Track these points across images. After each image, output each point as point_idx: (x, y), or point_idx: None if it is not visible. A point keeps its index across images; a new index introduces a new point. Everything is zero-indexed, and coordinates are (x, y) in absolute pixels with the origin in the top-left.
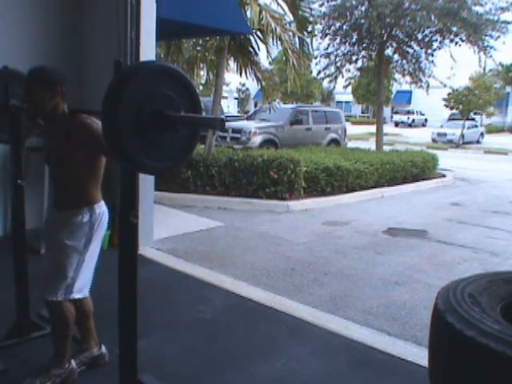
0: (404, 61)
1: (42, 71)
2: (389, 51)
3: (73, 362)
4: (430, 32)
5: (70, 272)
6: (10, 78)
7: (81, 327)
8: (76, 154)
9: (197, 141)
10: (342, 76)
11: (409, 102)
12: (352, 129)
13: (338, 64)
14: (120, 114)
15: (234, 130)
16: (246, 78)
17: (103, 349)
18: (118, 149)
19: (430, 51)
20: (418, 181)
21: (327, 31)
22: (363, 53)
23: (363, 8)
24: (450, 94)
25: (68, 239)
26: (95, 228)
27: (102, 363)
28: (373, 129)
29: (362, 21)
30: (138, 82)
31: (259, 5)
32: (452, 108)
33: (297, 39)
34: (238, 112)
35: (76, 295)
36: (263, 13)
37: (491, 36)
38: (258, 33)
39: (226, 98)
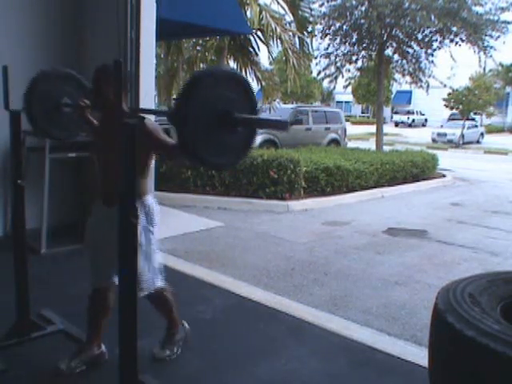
0: (404, 61)
1: (108, 68)
2: (389, 51)
3: (184, 322)
4: (430, 32)
5: (143, 267)
6: (58, 77)
7: (93, 321)
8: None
9: (254, 139)
10: (342, 76)
11: (409, 102)
12: (352, 129)
13: (338, 64)
14: (190, 114)
15: None
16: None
17: (103, 347)
18: (188, 147)
19: (430, 51)
20: (418, 181)
21: (327, 31)
22: (363, 53)
23: (363, 8)
24: (450, 94)
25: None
26: (150, 218)
27: (102, 362)
28: (373, 129)
29: (362, 21)
30: (206, 85)
31: (259, 5)
32: (452, 108)
33: (297, 39)
34: None
35: (159, 283)
36: (263, 13)
37: (491, 36)
38: (258, 33)
39: None
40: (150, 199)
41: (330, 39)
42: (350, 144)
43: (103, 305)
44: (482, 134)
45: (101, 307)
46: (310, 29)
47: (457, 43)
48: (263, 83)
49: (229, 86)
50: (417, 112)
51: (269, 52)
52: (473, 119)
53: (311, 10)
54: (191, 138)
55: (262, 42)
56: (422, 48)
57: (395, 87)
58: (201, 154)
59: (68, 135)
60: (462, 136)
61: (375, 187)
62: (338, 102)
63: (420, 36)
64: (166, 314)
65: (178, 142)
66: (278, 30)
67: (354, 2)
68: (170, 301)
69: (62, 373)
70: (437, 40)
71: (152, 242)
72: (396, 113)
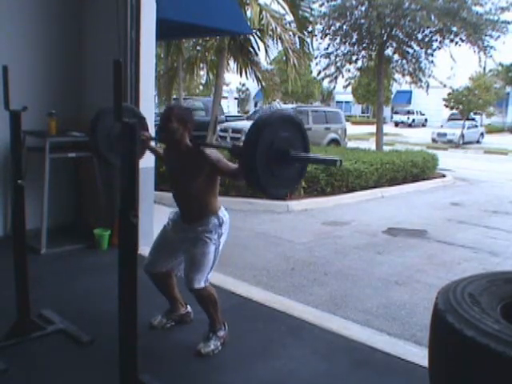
0: (404, 61)
1: (181, 109)
2: (389, 51)
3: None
4: (430, 32)
5: (210, 264)
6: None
7: (169, 296)
8: (203, 181)
9: (306, 170)
10: (342, 76)
11: (409, 101)
12: (352, 129)
13: (338, 64)
14: (257, 154)
15: (234, 130)
16: (246, 78)
17: (189, 308)
18: (253, 180)
19: (429, 51)
20: (418, 181)
21: (327, 31)
22: (363, 53)
23: (363, 8)
24: (450, 94)
25: (203, 241)
26: (223, 227)
27: (188, 320)
28: (373, 129)
29: (362, 21)
30: (270, 128)
31: (259, 5)
32: (452, 108)
33: (297, 39)
34: (238, 112)
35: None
36: (263, 13)
37: (491, 36)
38: (258, 33)
39: (226, 98)
40: (223, 211)
41: (330, 39)
42: (350, 144)
43: (165, 283)
44: (482, 134)
45: (164, 285)
46: (310, 29)
47: (457, 43)
48: (263, 83)
49: (287, 128)
50: (417, 112)
51: (266, 52)
52: (473, 119)
53: (311, 9)
54: (257, 173)
55: (262, 41)
56: (422, 48)
57: (395, 87)
58: (264, 185)
59: None
60: (462, 136)
61: (375, 187)
62: (337, 101)
63: (420, 36)
64: (213, 314)
65: (244, 176)
66: (279, 29)
67: (353, 2)
68: (217, 300)
69: (155, 327)
70: (437, 40)
71: (220, 249)
72: (396, 113)
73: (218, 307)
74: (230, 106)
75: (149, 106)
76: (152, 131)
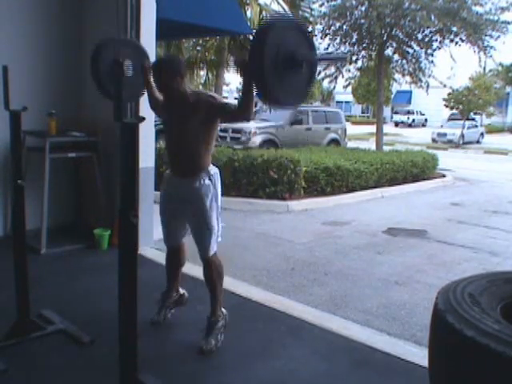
0: (404, 61)
1: (169, 61)
2: (389, 51)
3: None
4: (430, 32)
5: (215, 228)
6: (118, 43)
7: (170, 272)
8: (199, 124)
9: (315, 76)
10: (342, 76)
11: (409, 101)
12: (352, 129)
13: (338, 64)
14: (265, 55)
15: (234, 130)
16: None
17: (181, 291)
18: (261, 84)
19: (429, 51)
20: (418, 181)
21: (327, 31)
22: (363, 53)
23: (363, 8)
24: (450, 94)
25: (203, 202)
26: (216, 186)
27: (184, 301)
28: (373, 129)
29: (362, 21)
30: (275, 32)
31: (259, 5)
32: (452, 108)
33: None
34: None
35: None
36: (263, 13)
37: (491, 36)
38: None
39: (226, 98)
40: (214, 168)
41: (330, 39)
42: (350, 144)
43: (176, 260)
44: (481, 134)
45: (174, 261)
46: (310, 29)
47: (457, 43)
48: None
49: (291, 31)
50: (417, 112)
51: None
52: (473, 119)
53: (311, 9)
54: (267, 81)
55: None
56: (421, 48)
57: (395, 87)
58: (276, 94)
59: (130, 96)
60: (462, 136)
61: (375, 187)
62: (337, 101)
63: (420, 36)
64: (217, 290)
65: (255, 86)
66: None
67: (354, 2)
68: (223, 274)
69: (159, 323)
70: (437, 40)
71: (219, 207)
72: (396, 113)
73: (222, 285)
74: None
75: (149, 106)
76: (152, 131)
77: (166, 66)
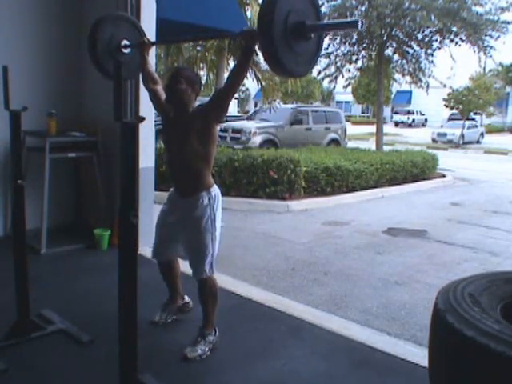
0: (404, 61)
1: (188, 70)
2: (389, 51)
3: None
4: (430, 32)
5: (209, 249)
6: (116, 20)
7: (173, 286)
8: (199, 136)
9: (323, 42)
10: (342, 76)
11: (409, 101)
12: (352, 129)
13: (338, 64)
14: (274, 23)
15: (234, 130)
16: (246, 78)
17: (186, 298)
18: (271, 52)
19: (429, 51)
20: (418, 181)
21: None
22: (363, 53)
23: (363, 8)
24: (450, 93)
25: (198, 222)
26: (215, 208)
27: (187, 310)
28: (373, 129)
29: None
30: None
31: (259, 5)
32: (452, 108)
33: None
34: (238, 112)
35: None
36: None
37: (491, 36)
38: None
39: None
40: (216, 189)
41: (329, 39)
42: (350, 144)
43: (169, 273)
44: (482, 134)
45: (167, 274)
46: None
47: (457, 43)
48: (263, 83)
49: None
50: (417, 112)
51: None
52: (473, 119)
53: None
54: (277, 49)
55: None
56: (421, 48)
57: (395, 87)
58: (286, 62)
59: (128, 75)
60: (462, 136)
61: (375, 187)
62: (337, 101)
63: (420, 36)
64: (209, 309)
65: (264, 54)
66: None
67: (353, 2)
68: (217, 297)
69: (157, 323)
70: (437, 40)
71: (217, 229)
72: (396, 113)
73: (216, 304)
74: (229, 106)
75: (149, 106)
76: (152, 131)
77: (185, 72)
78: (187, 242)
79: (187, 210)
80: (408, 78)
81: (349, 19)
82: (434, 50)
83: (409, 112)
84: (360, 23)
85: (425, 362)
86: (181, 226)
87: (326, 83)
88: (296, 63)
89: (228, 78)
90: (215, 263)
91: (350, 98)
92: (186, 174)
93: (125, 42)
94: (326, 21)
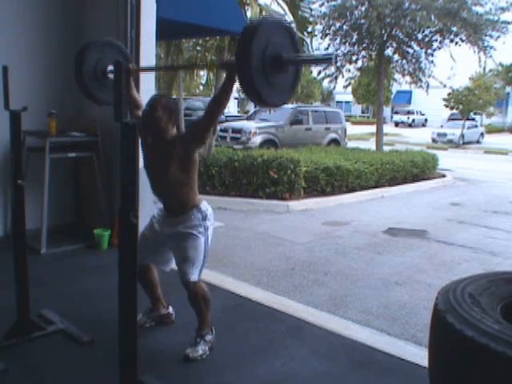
0: (404, 61)
1: (166, 99)
2: (389, 51)
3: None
4: (430, 32)
5: (202, 258)
6: (102, 46)
7: (152, 295)
8: (179, 165)
9: (300, 75)
10: (342, 76)
11: (409, 101)
12: (352, 129)
13: (338, 64)
14: (251, 55)
15: (234, 130)
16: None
17: (170, 309)
18: (249, 85)
19: (429, 51)
20: (418, 181)
21: (327, 31)
22: (363, 53)
23: (363, 8)
24: (450, 94)
25: (190, 231)
26: (207, 220)
27: (169, 322)
28: (373, 129)
29: (362, 21)
30: (262, 33)
31: (259, 5)
32: (452, 108)
33: None
34: (238, 112)
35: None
36: (263, 13)
37: (491, 36)
38: None
39: None
40: (205, 204)
41: (330, 39)
42: (350, 144)
43: (145, 280)
44: (482, 134)
45: (144, 282)
46: (309, 29)
47: (457, 43)
48: None
49: (277, 33)
50: (417, 112)
51: None
52: (473, 119)
53: (311, 10)
54: (254, 81)
55: None
56: (422, 48)
57: (395, 87)
58: (263, 93)
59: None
60: (462, 136)
61: (375, 187)
62: (338, 102)
63: (420, 36)
64: (203, 313)
65: (241, 85)
66: None
67: (354, 2)
68: (210, 300)
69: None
70: (437, 40)
71: (209, 242)
72: (396, 113)
73: (210, 308)
74: (230, 106)
75: None
76: None
77: (163, 101)
78: (177, 250)
79: (178, 222)
80: (408, 78)
81: (324, 55)
82: (434, 50)
83: (409, 112)
84: (334, 58)
85: (425, 362)
86: (169, 236)
87: (326, 83)
88: (273, 94)
89: (209, 106)
90: (202, 273)
91: (350, 98)
92: (171, 200)
93: (110, 67)
94: (302, 55)
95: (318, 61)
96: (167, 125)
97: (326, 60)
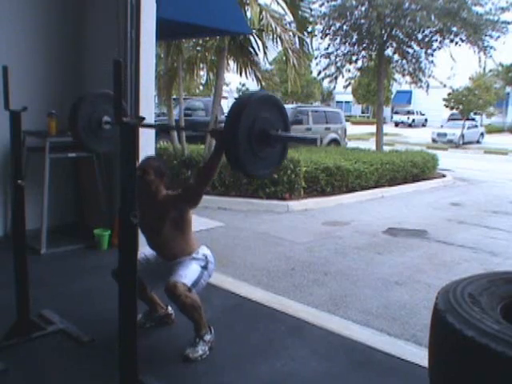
0: (404, 61)
1: (157, 161)
2: (389, 51)
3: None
4: (430, 32)
5: (195, 277)
6: (96, 98)
7: (145, 297)
8: (170, 225)
9: (287, 151)
10: (342, 76)
11: (409, 101)
12: (352, 129)
13: (338, 64)
14: (239, 132)
15: None
16: (246, 78)
17: (169, 309)
18: (235, 160)
19: (429, 51)
20: (418, 181)
21: (327, 31)
22: (363, 53)
23: (363, 8)
24: (450, 94)
25: (186, 261)
26: (204, 264)
27: (170, 322)
28: (373, 129)
29: (362, 21)
30: (250, 108)
31: (259, 5)
32: (452, 108)
33: (297, 39)
34: None
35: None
36: (263, 13)
37: (491, 36)
38: (258, 33)
39: (226, 98)
40: (204, 249)
41: (330, 39)
42: (350, 144)
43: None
44: (482, 134)
45: (141, 290)
46: (310, 29)
47: (457, 43)
48: (263, 83)
49: (267, 108)
50: (417, 112)
51: (265, 53)
52: (473, 119)
53: (311, 10)
54: (240, 156)
55: (262, 42)
56: (422, 48)
57: (395, 87)
58: (249, 168)
59: (110, 149)
60: (462, 136)
61: (375, 187)
62: (338, 102)
63: (420, 36)
64: (196, 319)
65: (228, 157)
66: (278, 29)
67: (354, 2)
68: (201, 305)
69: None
70: (437, 40)
71: (204, 278)
72: (396, 113)
73: (202, 312)
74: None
75: (149, 106)
76: (152, 132)
77: (154, 163)
78: (169, 272)
79: (174, 265)
80: (408, 78)
81: (309, 136)
82: (434, 50)
83: (409, 112)
84: (318, 141)
85: (425, 362)
86: (163, 266)
87: (326, 83)
88: (259, 168)
89: (199, 173)
90: (195, 289)
91: (350, 98)
92: (165, 253)
93: (106, 118)
94: (289, 133)
95: (305, 141)
96: (158, 187)
97: (312, 141)
